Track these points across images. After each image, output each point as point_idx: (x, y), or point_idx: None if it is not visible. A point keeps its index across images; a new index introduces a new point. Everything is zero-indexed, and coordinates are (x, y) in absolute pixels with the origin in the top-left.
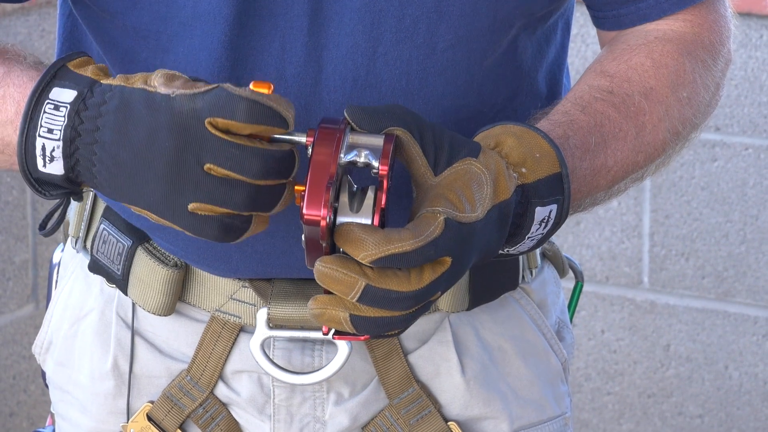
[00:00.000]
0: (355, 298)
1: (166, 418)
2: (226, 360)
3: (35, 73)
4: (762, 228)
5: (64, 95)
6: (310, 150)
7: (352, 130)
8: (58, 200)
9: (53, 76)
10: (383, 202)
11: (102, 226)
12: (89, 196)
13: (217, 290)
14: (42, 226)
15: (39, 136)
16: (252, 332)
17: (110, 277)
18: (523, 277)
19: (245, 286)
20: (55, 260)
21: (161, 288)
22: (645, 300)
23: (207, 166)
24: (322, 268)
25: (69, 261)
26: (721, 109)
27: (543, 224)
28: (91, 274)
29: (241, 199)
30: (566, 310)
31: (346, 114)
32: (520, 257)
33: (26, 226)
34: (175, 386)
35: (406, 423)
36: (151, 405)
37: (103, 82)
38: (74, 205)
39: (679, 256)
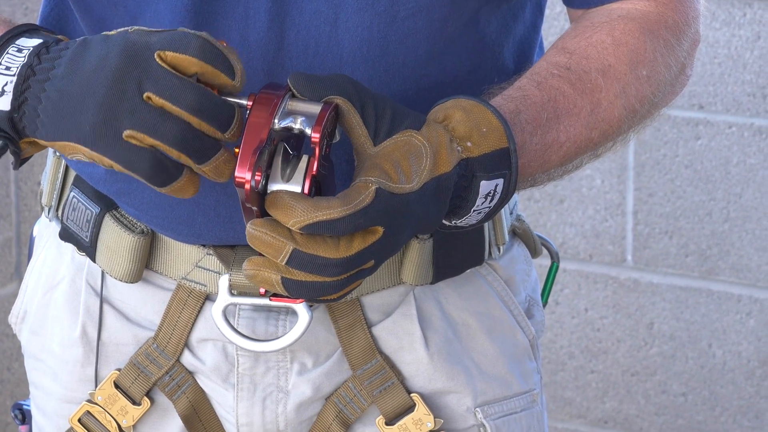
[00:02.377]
0: (284, 262)
1: (132, 385)
2: (191, 328)
3: (4, 28)
4: (745, 206)
5: (30, 42)
6: (248, 113)
7: (294, 96)
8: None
9: (24, 30)
10: (315, 169)
11: (72, 193)
12: (61, 164)
13: (183, 258)
14: None
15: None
16: None
17: (79, 245)
18: (490, 253)
19: (210, 254)
20: (35, 233)
21: (128, 255)
22: (628, 278)
23: (146, 94)
24: (252, 231)
25: (44, 230)
26: (705, 87)
27: (489, 198)
28: (63, 242)
29: (173, 132)
30: (538, 288)
31: (288, 81)
32: (486, 233)
33: (9, 204)
34: (142, 354)
35: (370, 394)
36: (118, 372)
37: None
38: (47, 174)
39: (662, 235)
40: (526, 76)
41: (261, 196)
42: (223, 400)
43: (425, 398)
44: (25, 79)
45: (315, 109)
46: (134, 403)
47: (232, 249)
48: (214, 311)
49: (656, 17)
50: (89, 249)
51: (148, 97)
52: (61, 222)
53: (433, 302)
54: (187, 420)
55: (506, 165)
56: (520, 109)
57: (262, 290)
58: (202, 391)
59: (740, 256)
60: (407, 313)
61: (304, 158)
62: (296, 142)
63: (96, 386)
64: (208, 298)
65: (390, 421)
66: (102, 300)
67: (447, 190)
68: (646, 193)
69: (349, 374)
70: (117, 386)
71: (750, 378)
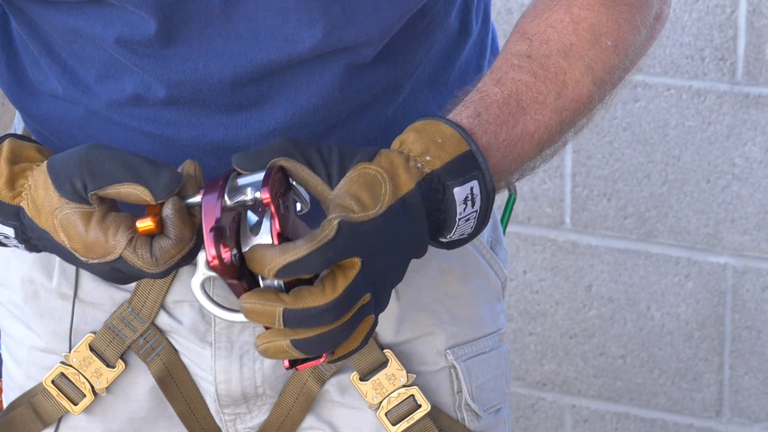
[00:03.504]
0: (281, 324)
1: (107, 348)
2: (167, 291)
3: None
4: (683, 168)
5: (6, 230)
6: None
7: (239, 175)
8: None
9: None
10: (277, 226)
11: None
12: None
13: None
14: None
15: (15, 246)
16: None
17: None
18: None
19: None
20: None
21: None
22: (567, 240)
23: None
24: (245, 305)
25: None
26: None
27: (469, 202)
28: None
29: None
30: (499, 226)
31: (232, 162)
32: None
33: None
34: (117, 317)
35: None
36: (93, 336)
37: (21, 204)
38: (19, 128)
39: (601, 197)
40: (487, 73)
41: (236, 267)
42: (199, 360)
43: (395, 348)
44: (40, 251)
45: (258, 176)
46: (108, 365)
47: None
48: (193, 285)
49: None
50: None
51: None
52: None
53: None
54: (161, 381)
55: (474, 166)
56: (480, 111)
57: (286, 363)
58: (176, 353)
59: (678, 219)
60: None
61: (266, 218)
62: (258, 211)
63: (70, 342)
64: None
65: (364, 377)
66: None
67: (417, 207)
68: (585, 156)
69: None
70: (92, 349)
71: (688, 340)
